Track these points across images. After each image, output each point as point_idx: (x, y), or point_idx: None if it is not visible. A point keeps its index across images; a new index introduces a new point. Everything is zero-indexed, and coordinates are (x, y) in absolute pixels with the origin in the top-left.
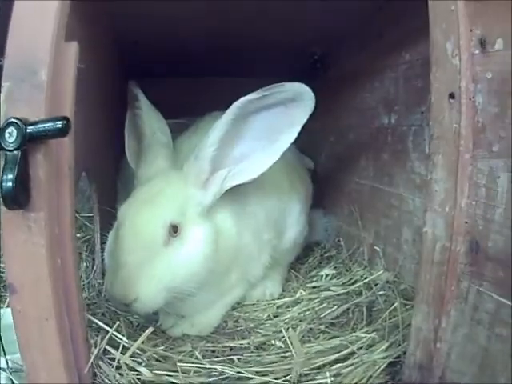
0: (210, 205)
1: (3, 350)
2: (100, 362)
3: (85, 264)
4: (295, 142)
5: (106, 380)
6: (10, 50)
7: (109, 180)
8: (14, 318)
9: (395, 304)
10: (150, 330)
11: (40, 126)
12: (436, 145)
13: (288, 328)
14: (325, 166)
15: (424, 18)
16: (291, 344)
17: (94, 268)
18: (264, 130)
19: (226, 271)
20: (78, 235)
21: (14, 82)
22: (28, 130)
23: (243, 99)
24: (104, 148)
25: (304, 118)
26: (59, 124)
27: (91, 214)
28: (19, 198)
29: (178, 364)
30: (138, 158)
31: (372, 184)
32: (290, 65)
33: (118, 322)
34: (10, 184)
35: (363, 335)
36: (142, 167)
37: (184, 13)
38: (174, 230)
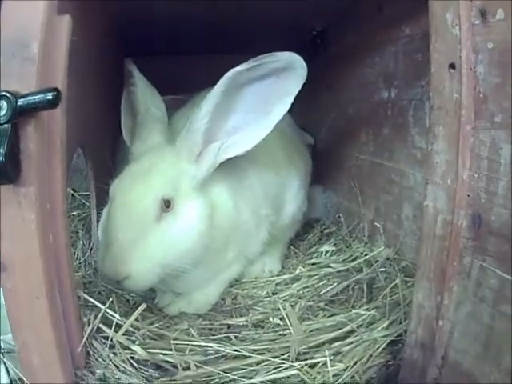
0: (204, 179)
1: None
2: (93, 341)
3: (81, 242)
4: (295, 118)
5: (100, 359)
6: (1, 24)
7: (105, 157)
8: (5, 297)
9: (396, 281)
10: (143, 306)
11: (30, 98)
12: (436, 116)
13: (286, 305)
14: (325, 141)
15: None
16: (289, 321)
17: (90, 246)
18: (257, 102)
19: (222, 247)
20: (74, 213)
21: (5, 56)
22: (18, 103)
23: (233, 70)
24: (101, 125)
25: (297, 88)
26: (49, 95)
27: (88, 193)
28: (9, 172)
29: (173, 342)
30: (133, 135)
31: (372, 159)
32: (289, 41)
33: (110, 299)
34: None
35: (363, 312)
36: (136, 143)
37: None
38: (167, 204)
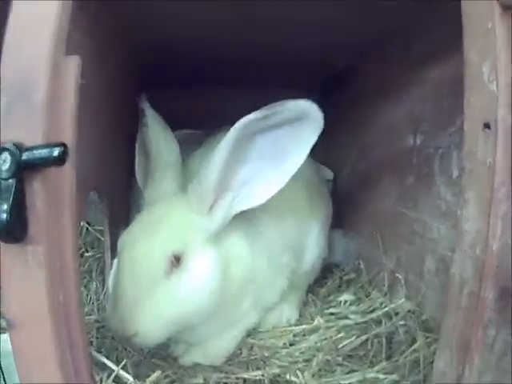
0: (218, 231)
1: (4, 379)
2: None
3: (95, 284)
4: (316, 154)
5: None
6: (4, 66)
7: (122, 197)
8: (15, 355)
9: (417, 341)
10: (158, 373)
11: (36, 152)
12: (468, 180)
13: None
14: (346, 183)
15: (455, 30)
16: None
17: (104, 289)
18: (270, 151)
19: (237, 299)
20: (89, 254)
21: (7, 103)
22: (23, 157)
23: (244, 120)
24: (116, 164)
25: (313, 138)
26: (56, 151)
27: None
28: (15, 230)
29: None
30: (146, 178)
31: (395, 207)
32: (314, 76)
33: (124, 361)
34: (3, 216)
35: (382, 376)
36: (148, 189)
37: (199, 25)
38: (177, 260)
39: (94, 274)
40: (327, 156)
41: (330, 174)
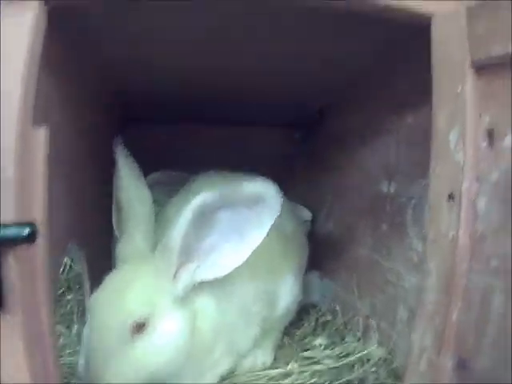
0: (184, 295)
1: None
2: None
3: (76, 326)
4: (295, 194)
5: None
6: None
7: (103, 244)
8: None
9: None
10: None
11: (7, 231)
12: (430, 250)
13: None
14: (324, 225)
15: (427, 79)
16: None
17: None
18: (231, 228)
19: (207, 352)
20: (69, 296)
21: None
22: None
23: (202, 197)
24: (96, 212)
25: (270, 221)
26: (25, 232)
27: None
28: None
29: None
30: (120, 228)
31: (370, 254)
32: (294, 114)
33: None
34: None
35: None
36: (121, 242)
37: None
38: (142, 324)
39: (75, 316)
40: (306, 196)
41: (308, 215)
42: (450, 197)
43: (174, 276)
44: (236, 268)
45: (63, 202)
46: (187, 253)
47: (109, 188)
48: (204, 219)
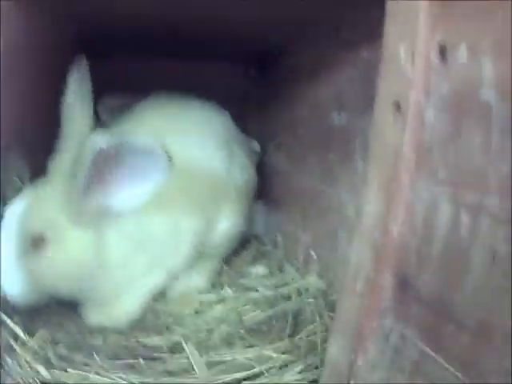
0: (90, 217)
1: None
2: (6, 357)
3: None
4: (245, 126)
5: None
6: None
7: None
8: None
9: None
10: (43, 331)
11: None
12: (372, 159)
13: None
14: (272, 157)
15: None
16: (193, 362)
17: None
18: (133, 167)
19: (122, 263)
20: None
21: None
22: None
23: (93, 144)
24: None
25: (165, 170)
26: None
27: None
28: None
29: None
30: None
31: (317, 185)
32: (249, 51)
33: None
34: None
35: (276, 355)
36: (52, 158)
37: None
38: (40, 239)
39: None
40: (258, 130)
41: (256, 146)
42: (396, 107)
43: (82, 201)
44: (172, 179)
45: (11, 111)
46: (96, 179)
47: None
48: (107, 156)
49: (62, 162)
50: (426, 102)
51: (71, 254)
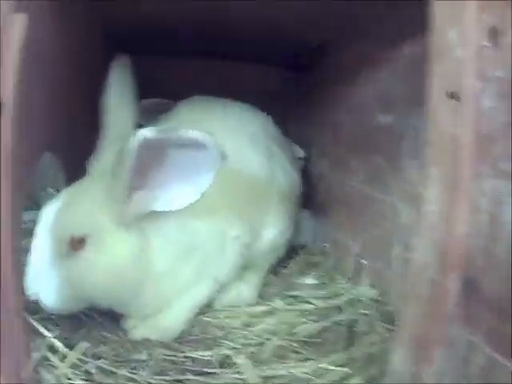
0: (134, 219)
1: None
2: (41, 369)
3: None
4: (288, 133)
5: None
6: None
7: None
8: None
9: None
10: (84, 345)
11: None
12: (431, 154)
13: (242, 357)
14: (316, 164)
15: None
16: (246, 375)
17: None
18: (181, 164)
19: (169, 274)
20: None
21: None
22: None
23: (140, 135)
24: (75, 125)
25: (217, 165)
26: None
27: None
28: None
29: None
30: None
31: (363, 189)
32: (287, 51)
33: (56, 331)
34: None
35: (333, 368)
36: (92, 159)
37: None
38: (80, 240)
39: None
40: (300, 134)
41: (300, 153)
42: (451, 95)
43: (125, 200)
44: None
45: (43, 113)
46: (140, 180)
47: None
48: (153, 152)
49: (102, 163)
50: (482, 89)
51: (113, 257)
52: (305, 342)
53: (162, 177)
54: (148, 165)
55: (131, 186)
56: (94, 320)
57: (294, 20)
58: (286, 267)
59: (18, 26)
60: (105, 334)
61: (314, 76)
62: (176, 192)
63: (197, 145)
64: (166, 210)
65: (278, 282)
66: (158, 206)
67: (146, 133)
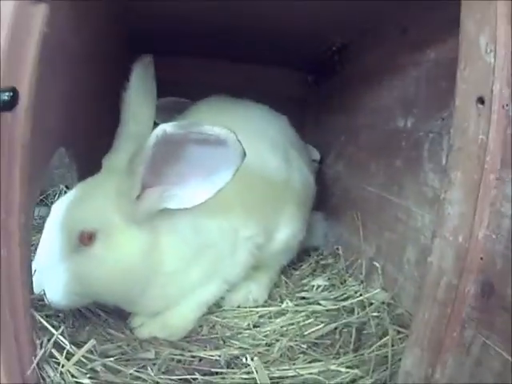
0: (145, 217)
1: None
2: (46, 366)
3: None
4: (305, 135)
5: None
6: None
7: (91, 154)
8: None
9: (387, 335)
10: (92, 342)
11: None
12: (455, 158)
13: (254, 358)
14: (332, 166)
15: (455, 11)
16: (256, 373)
17: None
18: (200, 162)
19: (177, 273)
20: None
21: None
22: None
23: (160, 129)
24: (95, 124)
25: (235, 164)
26: (5, 96)
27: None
28: None
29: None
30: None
31: (380, 192)
32: (307, 55)
33: (62, 327)
34: None
35: (344, 370)
36: (107, 155)
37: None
38: (90, 235)
39: None
40: (317, 137)
41: (316, 155)
42: (480, 100)
43: (137, 197)
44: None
45: (59, 105)
46: (154, 177)
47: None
48: (171, 148)
49: (117, 159)
50: (510, 95)
51: (122, 253)
52: (314, 343)
53: (176, 174)
54: (164, 161)
55: (145, 183)
56: (100, 317)
57: (316, 24)
58: (297, 269)
59: (37, 17)
60: (111, 331)
61: (334, 79)
62: (190, 190)
63: (217, 142)
64: (180, 207)
65: (289, 283)
66: (172, 204)
67: (167, 127)
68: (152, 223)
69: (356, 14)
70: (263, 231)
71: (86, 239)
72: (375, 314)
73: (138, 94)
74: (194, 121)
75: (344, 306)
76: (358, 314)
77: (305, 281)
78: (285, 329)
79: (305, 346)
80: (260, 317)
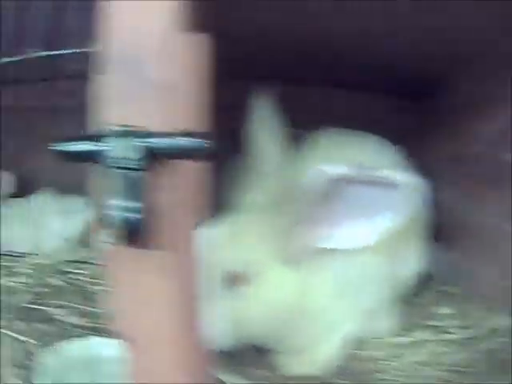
0: (299, 256)
1: None
2: None
3: None
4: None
5: None
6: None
7: None
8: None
9: None
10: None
11: (178, 141)
12: None
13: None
14: (446, 194)
15: None
16: None
17: None
18: (360, 201)
19: (325, 311)
20: None
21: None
22: (153, 145)
23: (324, 172)
24: None
25: (407, 209)
26: (204, 143)
27: None
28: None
29: None
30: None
31: (496, 222)
32: (410, 84)
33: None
34: (137, 216)
35: None
36: (236, 193)
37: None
38: (243, 276)
39: None
40: (420, 166)
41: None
42: None
43: (292, 236)
44: None
45: None
46: (309, 217)
47: None
48: (331, 188)
49: (257, 197)
50: None
51: (276, 294)
52: (456, 371)
53: (334, 213)
54: (321, 200)
55: (299, 222)
56: (245, 356)
57: (419, 56)
58: (418, 297)
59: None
60: (258, 371)
61: (432, 109)
62: (347, 231)
63: (390, 185)
64: (336, 248)
65: (413, 312)
66: (326, 244)
67: (333, 169)
68: (306, 262)
69: (453, 54)
70: (397, 263)
71: (240, 280)
72: (502, 340)
73: (264, 130)
74: (359, 163)
75: (474, 334)
76: (486, 341)
77: (428, 309)
78: (426, 359)
79: (448, 376)
80: (396, 347)
